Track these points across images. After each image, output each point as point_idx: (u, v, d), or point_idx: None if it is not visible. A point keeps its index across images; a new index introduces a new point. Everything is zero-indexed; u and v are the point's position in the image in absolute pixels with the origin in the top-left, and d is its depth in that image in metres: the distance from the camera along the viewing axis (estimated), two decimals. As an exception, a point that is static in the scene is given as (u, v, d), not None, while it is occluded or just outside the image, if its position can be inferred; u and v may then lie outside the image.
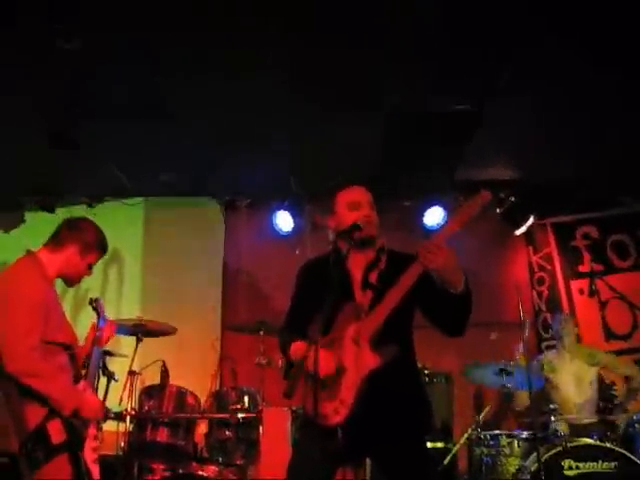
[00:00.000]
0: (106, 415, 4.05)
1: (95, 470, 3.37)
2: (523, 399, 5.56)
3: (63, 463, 3.17)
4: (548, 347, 6.53)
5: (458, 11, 4.25)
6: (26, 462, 3.08)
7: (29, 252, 3.44)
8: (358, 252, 3.07)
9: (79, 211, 6.71)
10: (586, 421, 5.29)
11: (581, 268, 6.90)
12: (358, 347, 2.86)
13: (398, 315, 2.84)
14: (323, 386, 2.84)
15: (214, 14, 4.24)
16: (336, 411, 2.82)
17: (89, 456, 3.33)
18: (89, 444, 3.34)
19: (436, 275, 2.82)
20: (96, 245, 3.54)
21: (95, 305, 3.67)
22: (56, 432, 3.15)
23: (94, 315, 3.63)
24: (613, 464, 4.51)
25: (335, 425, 2.81)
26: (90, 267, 3.55)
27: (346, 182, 3.22)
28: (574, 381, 5.62)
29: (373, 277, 3.04)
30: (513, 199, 6.31)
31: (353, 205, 3.10)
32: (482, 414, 5.32)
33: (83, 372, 3.50)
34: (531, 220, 6.81)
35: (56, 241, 3.46)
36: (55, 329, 3.31)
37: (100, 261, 3.67)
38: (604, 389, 5.63)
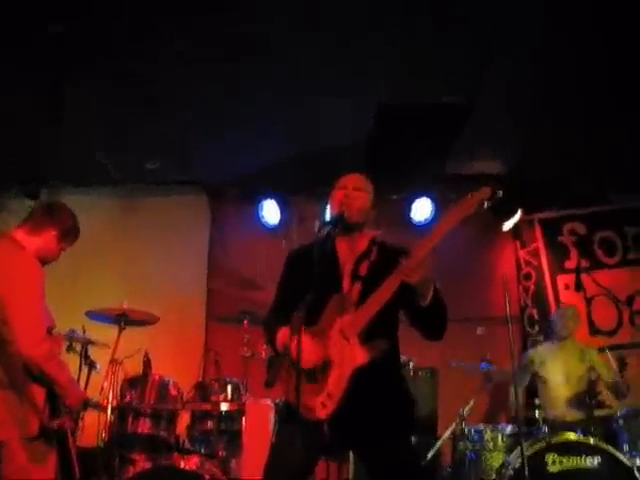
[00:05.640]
0: (87, 404, 4.01)
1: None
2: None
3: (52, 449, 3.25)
4: (533, 343, 6.53)
5: (446, 14, 4.35)
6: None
7: (2, 234, 3.44)
8: (344, 239, 3.08)
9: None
10: (572, 417, 5.28)
11: (568, 264, 6.90)
12: (347, 341, 2.82)
13: (386, 311, 2.81)
14: (309, 378, 2.80)
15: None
16: (323, 405, 2.78)
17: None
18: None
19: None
20: (73, 232, 3.59)
21: None
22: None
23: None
24: (596, 460, 4.51)
25: (321, 419, 2.77)
26: (61, 252, 3.58)
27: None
28: (564, 376, 5.61)
29: (363, 269, 3.00)
30: (501, 194, 6.26)
31: (341, 187, 3.10)
32: (466, 408, 5.30)
33: None
34: (519, 215, 6.80)
35: (34, 224, 3.45)
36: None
37: (83, 248, 3.68)
38: (592, 385, 5.60)
